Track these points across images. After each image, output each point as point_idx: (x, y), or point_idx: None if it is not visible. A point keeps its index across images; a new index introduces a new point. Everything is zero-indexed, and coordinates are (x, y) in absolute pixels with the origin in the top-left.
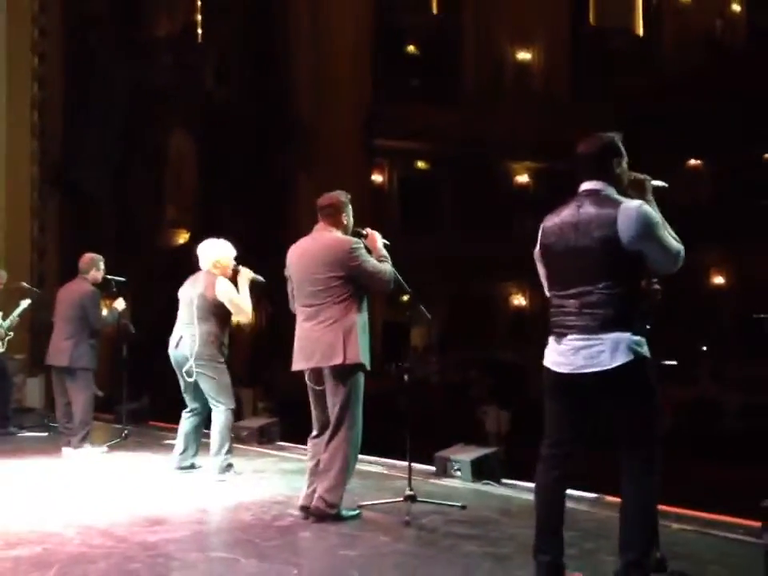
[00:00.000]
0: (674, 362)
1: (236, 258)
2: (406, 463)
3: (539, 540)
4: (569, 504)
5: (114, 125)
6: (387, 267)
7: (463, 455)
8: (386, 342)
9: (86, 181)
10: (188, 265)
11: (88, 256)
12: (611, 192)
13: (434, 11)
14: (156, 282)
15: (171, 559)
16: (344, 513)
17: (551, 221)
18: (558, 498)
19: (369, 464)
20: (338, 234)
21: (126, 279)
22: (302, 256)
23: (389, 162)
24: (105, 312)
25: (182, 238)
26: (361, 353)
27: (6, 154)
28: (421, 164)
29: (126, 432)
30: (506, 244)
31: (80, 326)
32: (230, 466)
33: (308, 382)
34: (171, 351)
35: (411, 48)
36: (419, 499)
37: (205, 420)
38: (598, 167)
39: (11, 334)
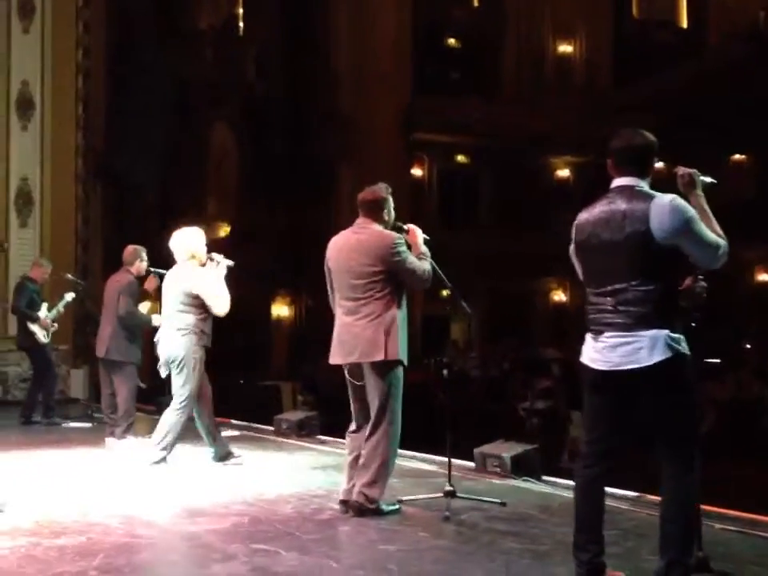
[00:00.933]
0: (718, 360)
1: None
2: (445, 459)
3: (579, 538)
4: (609, 502)
5: (156, 118)
6: (426, 265)
7: (503, 451)
8: (426, 336)
9: (128, 173)
10: (229, 258)
11: (131, 247)
12: (644, 187)
13: (475, 4)
14: None
15: (212, 550)
16: (384, 507)
17: (583, 217)
18: (597, 495)
19: (408, 459)
20: (380, 229)
21: (166, 272)
22: (342, 250)
23: (428, 156)
24: (143, 308)
25: (224, 231)
26: (400, 349)
27: (52, 147)
28: (460, 158)
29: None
30: (545, 239)
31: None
32: (164, 460)
33: (347, 376)
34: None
35: (452, 41)
36: (459, 495)
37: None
38: (635, 162)
39: (56, 325)
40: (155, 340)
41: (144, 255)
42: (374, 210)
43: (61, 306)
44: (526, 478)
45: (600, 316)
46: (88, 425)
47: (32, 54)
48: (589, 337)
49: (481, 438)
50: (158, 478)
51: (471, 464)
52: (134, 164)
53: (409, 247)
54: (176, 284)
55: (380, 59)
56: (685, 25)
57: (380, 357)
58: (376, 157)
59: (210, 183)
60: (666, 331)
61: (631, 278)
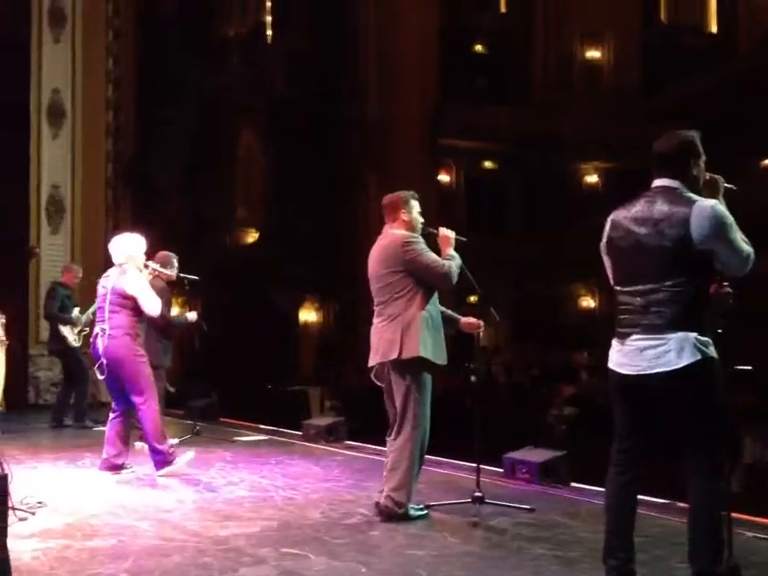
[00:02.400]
0: (749, 368)
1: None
2: (474, 464)
3: (609, 544)
4: (639, 509)
5: (185, 124)
6: (447, 262)
7: (532, 457)
8: (455, 342)
9: (158, 179)
10: (257, 263)
11: (163, 254)
12: (685, 190)
13: (502, 9)
14: (226, 281)
15: (242, 554)
16: (412, 512)
17: (621, 214)
18: (628, 501)
19: (437, 464)
20: (395, 231)
21: (197, 277)
22: (371, 257)
23: (455, 162)
24: (174, 312)
25: (251, 237)
26: (421, 347)
27: (82, 154)
28: (488, 164)
29: (197, 428)
30: (574, 244)
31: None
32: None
33: (373, 378)
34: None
35: (479, 47)
36: (487, 501)
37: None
38: (674, 165)
39: (87, 330)
40: (93, 343)
41: (175, 262)
42: (392, 212)
43: (91, 312)
44: (554, 484)
45: (628, 317)
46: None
47: (63, 63)
48: (615, 341)
49: (510, 443)
50: (186, 482)
51: (500, 470)
52: (164, 170)
53: (437, 251)
54: (107, 283)
55: (407, 66)
56: (714, 30)
57: (395, 355)
58: (403, 163)
59: (238, 189)
60: (695, 334)
61: (664, 278)
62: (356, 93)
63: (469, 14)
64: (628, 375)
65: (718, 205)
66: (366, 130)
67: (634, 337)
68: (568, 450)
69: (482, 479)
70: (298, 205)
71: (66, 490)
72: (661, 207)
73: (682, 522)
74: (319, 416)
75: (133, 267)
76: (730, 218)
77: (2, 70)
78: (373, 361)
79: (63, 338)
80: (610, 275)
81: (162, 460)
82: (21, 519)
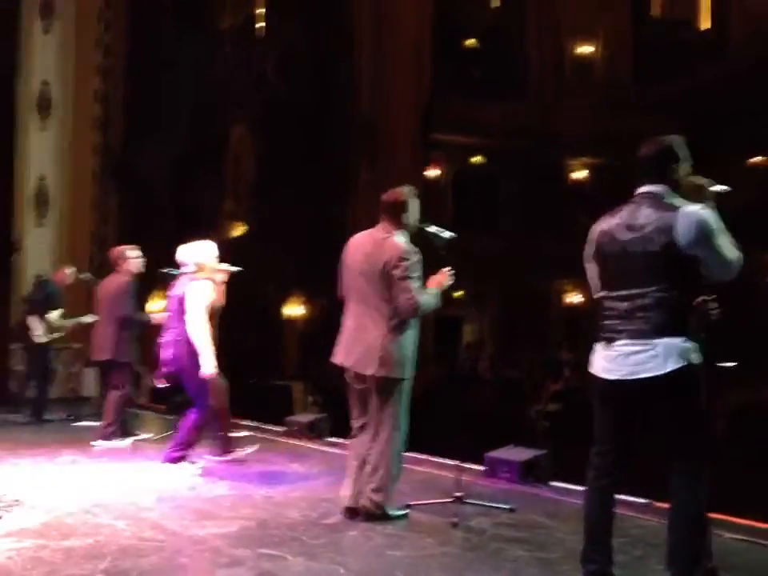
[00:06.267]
0: (733, 364)
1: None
2: (454, 462)
3: (587, 547)
4: (618, 510)
5: (175, 118)
6: (426, 297)
7: (513, 456)
8: (438, 337)
9: (146, 173)
10: (243, 257)
11: (116, 249)
12: (670, 196)
13: (495, 4)
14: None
15: (220, 555)
16: (391, 512)
17: (607, 222)
18: (607, 506)
19: (418, 463)
20: (395, 239)
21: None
22: (358, 251)
23: (447, 157)
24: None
25: (240, 230)
26: (405, 369)
27: (70, 146)
28: (478, 159)
29: (178, 423)
30: (562, 240)
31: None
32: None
33: (348, 379)
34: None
35: (471, 41)
36: (467, 501)
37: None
38: (657, 171)
39: (62, 333)
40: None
41: (129, 253)
42: (394, 213)
43: (75, 321)
44: (535, 483)
45: (613, 322)
46: (98, 423)
47: (52, 54)
48: (599, 346)
49: (492, 440)
50: (166, 480)
51: (481, 468)
52: (152, 163)
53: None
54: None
55: (400, 60)
56: (707, 24)
57: (371, 371)
58: (396, 157)
59: (227, 183)
60: (680, 339)
61: (651, 283)
62: (348, 87)
63: (461, 8)
64: (612, 380)
65: (704, 210)
66: (357, 125)
67: (620, 342)
68: (551, 447)
69: (462, 478)
70: (287, 199)
71: (44, 487)
72: (646, 213)
73: (661, 523)
74: (302, 411)
75: (202, 277)
76: (717, 224)
77: None
78: (345, 362)
79: (28, 330)
80: (592, 284)
81: (174, 457)
82: None
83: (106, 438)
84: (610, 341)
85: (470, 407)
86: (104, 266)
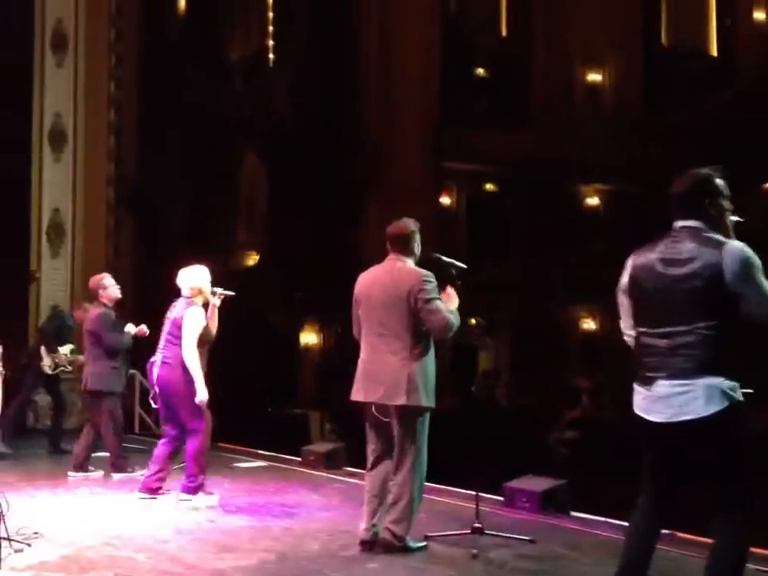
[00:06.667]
0: (750, 390)
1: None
2: (473, 492)
3: None
4: None
5: (187, 149)
6: (450, 315)
7: (532, 486)
8: (454, 365)
9: (159, 203)
10: (258, 286)
11: (94, 279)
12: (709, 231)
13: (503, 33)
14: (226, 303)
15: None
16: (411, 544)
17: (644, 256)
18: (649, 546)
19: (437, 492)
20: (411, 265)
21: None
22: (375, 284)
23: (457, 184)
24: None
25: (252, 259)
26: (423, 394)
27: (84, 177)
28: (489, 186)
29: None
30: (575, 267)
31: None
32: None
33: (373, 412)
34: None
35: (480, 70)
36: (487, 531)
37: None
38: (692, 205)
39: (69, 367)
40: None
41: (106, 282)
42: (403, 244)
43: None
44: (555, 513)
45: (653, 360)
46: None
47: (65, 87)
48: (639, 386)
49: (510, 469)
50: (184, 512)
51: (500, 498)
52: (165, 194)
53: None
54: (170, 314)
55: (409, 88)
56: (715, 53)
57: (401, 401)
58: (405, 186)
59: (239, 212)
60: (722, 379)
61: (695, 320)
62: (357, 115)
63: (469, 37)
64: (656, 422)
65: (747, 247)
66: (367, 153)
67: (661, 382)
68: (569, 475)
69: (481, 508)
70: (299, 227)
71: (63, 519)
72: (689, 247)
73: (683, 554)
74: (319, 440)
75: (198, 301)
76: (758, 261)
77: (3, 94)
78: (371, 398)
79: (41, 359)
80: (625, 318)
81: (190, 487)
82: (16, 551)
83: (121, 469)
84: (649, 381)
85: (486, 435)
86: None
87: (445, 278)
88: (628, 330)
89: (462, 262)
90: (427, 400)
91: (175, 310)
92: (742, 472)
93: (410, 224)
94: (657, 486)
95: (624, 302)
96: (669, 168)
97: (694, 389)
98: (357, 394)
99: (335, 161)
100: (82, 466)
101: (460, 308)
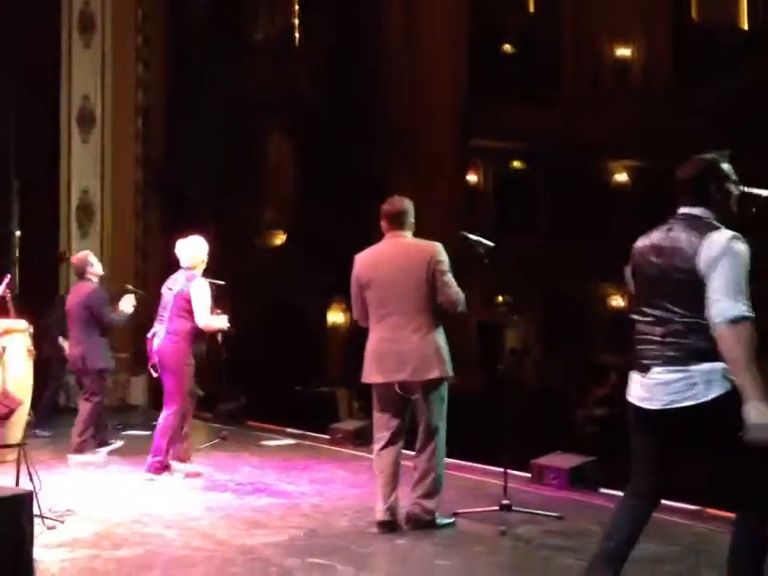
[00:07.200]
0: None
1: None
2: (501, 469)
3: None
4: (669, 516)
5: (214, 129)
6: (460, 291)
7: (560, 463)
8: (481, 343)
9: (186, 184)
10: (284, 265)
11: (78, 258)
12: (710, 217)
13: (531, 9)
14: (254, 283)
15: (269, 564)
16: (439, 520)
17: (642, 242)
18: (639, 524)
19: (464, 469)
20: (419, 240)
21: (224, 282)
22: (380, 263)
23: (484, 162)
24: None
25: (279, 239)
26: (448, 364)
27: (112, 159)
28: (517, 164)
29: (223, 432)
30: (603, 244)
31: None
32: None
33: (398, 391)
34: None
35: (507, 47)
36: (515, 508)
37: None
38: (697, 192)
39: None
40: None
41: (91, 259)
42: (402, 220)
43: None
44: (583, 490)
45: (647, 348)
46: (147, 432)
47: (93, 69)
48: (635, 374)
49: (538, 446)
50: (214, 489)
51: (528, 475)
52: (192, 174)
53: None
54: (173, 286)
55: (435, 67)
56: (746, 26)
57: (435, 374)
58: (432, 164)
59: (266, 192)
60: (722, 364)
61: (682, 308)
62: (384, 93)
63: (497, 14)
64: (651, 410)
65: (737, 238)
66: (393, 131)
67: (657, 369)
68: (598, 452)
69: (509, 485)
70: (326, 206)
71: (95, 496)
72: (679, 237)
73: (710, 530)
74: (347, 418)
75: (198, 272)
76: (743, 253)
77: (32, 76)
78: (394, 377)
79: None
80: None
81: (157, 463)
82: (49, 528)
83: (80, 450)
84: (645, 368)
85: (514, 413)
86: (149, 276)
87: (472, 255)
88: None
89: (489, 240)
90: (450, 369)
91: (178, 284)
92: (751, 459)
93: (405, 201)
94: (651, 469)
95: (631, 284)
96: (698, 144)
97: (691, 375)
98: (374, 376)
99: (362, 139)
100: (104, 443)
101: (488, 286)
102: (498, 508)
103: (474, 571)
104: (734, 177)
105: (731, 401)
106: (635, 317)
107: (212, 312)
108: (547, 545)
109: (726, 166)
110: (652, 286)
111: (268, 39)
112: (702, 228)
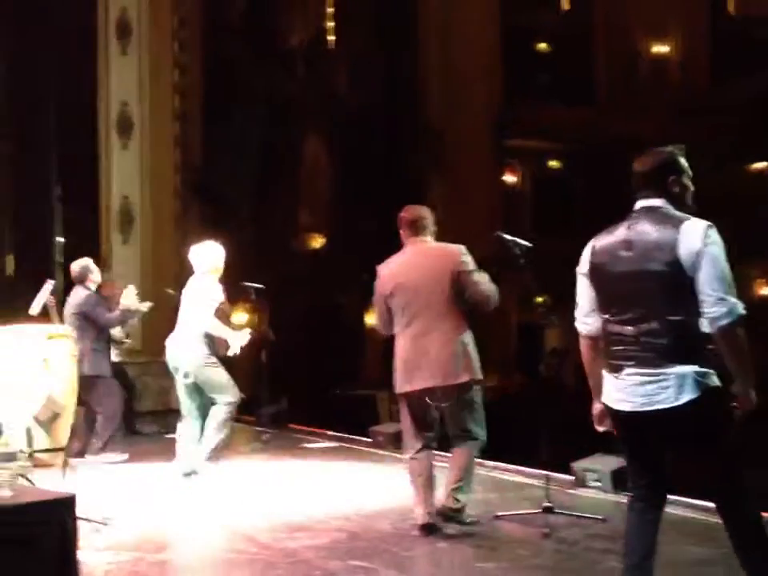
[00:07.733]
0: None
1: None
2: (542, 472)
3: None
4: (707, 517)
5: (251, 133)
6: (493, 286)
7: (602, 465)
8: (521, 344)
9: (225, 189)
10: (323, 268)
11: (78, 265)
12: (670, 209)
13: (565, 7)
14: (293, 287)
15: (312, 567)
16: (464, 517)
17: (604, 239)
18: (650, 528)
19: (504, 472)
20: (440, 243)
21: (263, 286)
22: (408, 271)
23: (520, 162)
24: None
25: (317, 242)
26: (478, 367)
27: (151, 165)
28: (554, 163)
29: (266, 436)
30: None
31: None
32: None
33: (428, 400)
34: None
35: (542, 46)
36: (557, 511)
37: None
38: (654, 183)
39: (129, 341)
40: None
41: (92, 267)
42: (423, 226)
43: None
44: (626, 493)
45: (620, 348)
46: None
47: (130, 75)
48: (608, 374)
49: (580, 448)
50: (256, 492)
51: (570, 477)
52: (231, 180)
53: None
54: (191, 290)
55: (470, 66)
56: None
57: (464, 378)
58: (467, 164)
59: (303, 195)
60: (694, 367)
61: (657, 306)
62: (419, 94)
63: (530, 13)
64: (625, 412)
65: (710, 226)
66: (429, 132)
67: (629, 371)
68: None
69: (551, 488)
70: (363, 208)
71: (140, 498)
72: (646, 228)
73: None
74: (388, 420)
75: (214, 278)
76: (719, 240)
77: (70, 82)
78: (435, 381)
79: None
80: (581, 303)
81: None
82: (95, 531)
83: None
84: (617, 369)
85: (555, 414)
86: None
87: (509, 257)
88: (582, 316)
89: (527, 240)
90: (480, 372)
91: (192, 287)
92: (727, 460)
93: (423, 208)
94: (642, 469)
95: (584, 288)
96: (737, 140)
97: (663, 378)
98: (407, 385)
99: (398, 142)
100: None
101: (527, 286)
102: (540, 510)
103: (518, 573)
104: (690, 172)
105: (703, 403)
106: (604, 316)
107: (227, 321)
108: (592, 548)
109: (682, 160)
110: (621, 283)
111: (303, 42)
112: (670, 219)
